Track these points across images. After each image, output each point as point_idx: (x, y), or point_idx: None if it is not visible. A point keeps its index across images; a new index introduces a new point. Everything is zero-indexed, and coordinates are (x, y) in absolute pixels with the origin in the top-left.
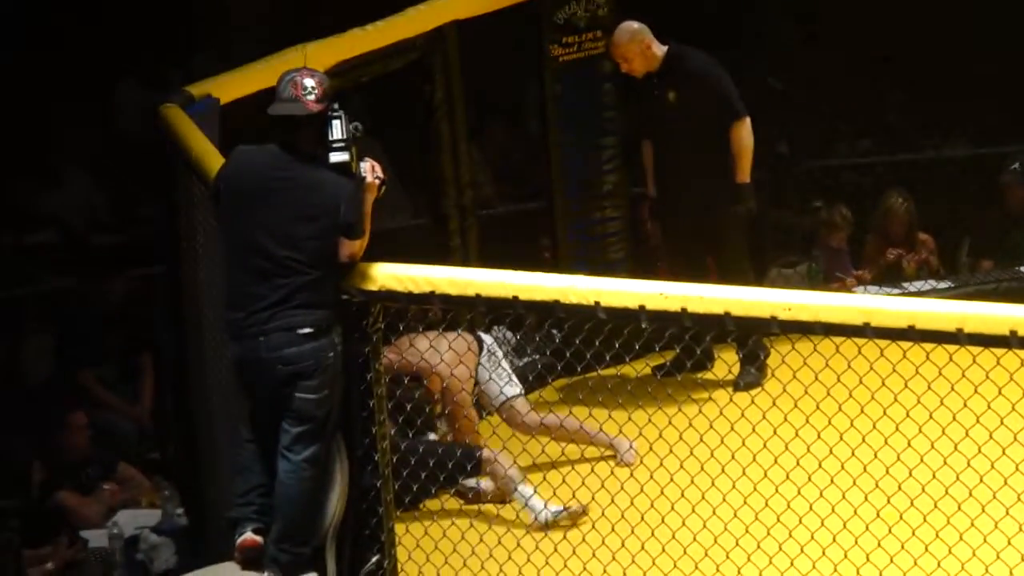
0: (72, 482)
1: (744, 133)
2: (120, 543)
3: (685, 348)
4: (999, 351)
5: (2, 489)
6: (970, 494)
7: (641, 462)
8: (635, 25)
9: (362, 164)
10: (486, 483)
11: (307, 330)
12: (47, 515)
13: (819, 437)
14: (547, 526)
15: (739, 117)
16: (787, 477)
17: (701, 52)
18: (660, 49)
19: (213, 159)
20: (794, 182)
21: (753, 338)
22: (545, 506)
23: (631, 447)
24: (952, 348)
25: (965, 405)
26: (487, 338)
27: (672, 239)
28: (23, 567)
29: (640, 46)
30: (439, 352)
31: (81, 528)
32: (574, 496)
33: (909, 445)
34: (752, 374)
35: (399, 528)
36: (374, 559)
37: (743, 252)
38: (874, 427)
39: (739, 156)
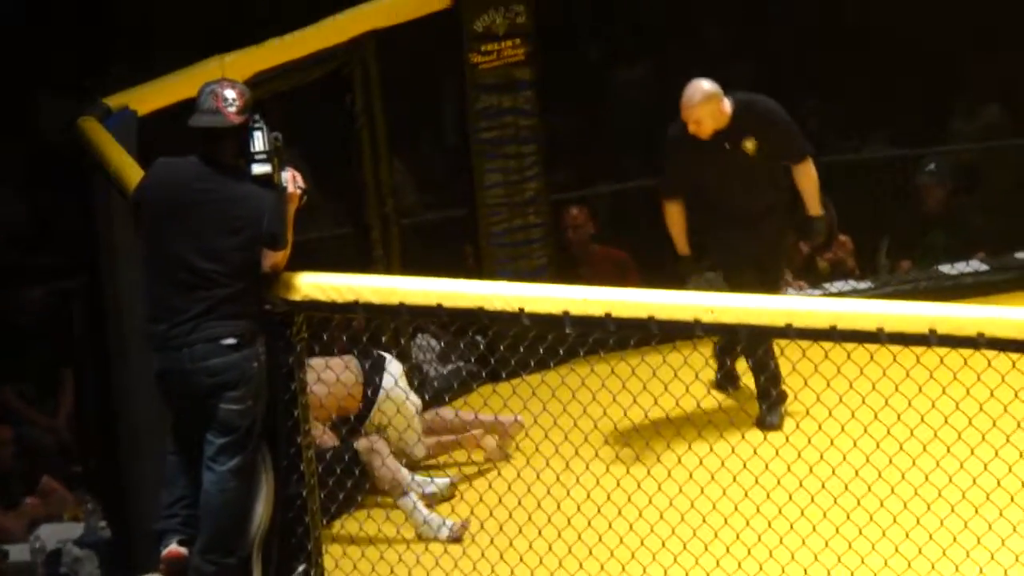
0: None
1: (812, 169)
2: (43, 556)
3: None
4: (918, 349)
5: None
6: (892, 491)
7: (568, 466)
8: (706, 86)
9: (283, 174)
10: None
11: (231, 341)
12: None
13: (743, 438)
14: (432, 536)
15: (806, 156)
16: (711, 478)
17: (762, 96)
18: (728, 106)
19: (132, 171)
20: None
21: (764, 375)
22: (426, 518)
23: (517, 418)
24: (873, 347)
25: (887, 403)
26: (393, 367)
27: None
28: None
29: (712, 108)
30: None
31: (3, 542)
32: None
33: (832, 444)
34: (771, 415)
35: (325, 536)
36: (300, 568)
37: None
38: (797, 427)
39: (810, 191)
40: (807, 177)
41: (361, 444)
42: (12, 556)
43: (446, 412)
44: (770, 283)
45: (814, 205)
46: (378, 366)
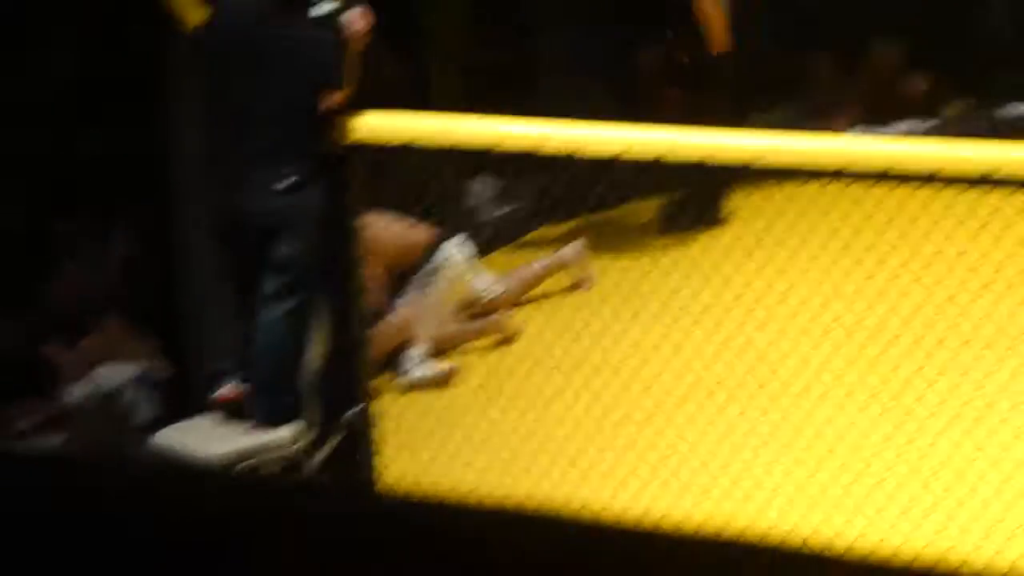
0: (56, 336)
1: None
2: (101, 397)
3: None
4: (977, 192)
5: None
6: (948, 332)
7: (621, 310)
8: None
9: (346, 15)
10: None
11: (288, 182)
12: (30, 369)
13: (799, 280)
14: (414, 383)
15: None
16: (766, 321)
17: None
18: None
19: (193, 10)
20: (774, 26)
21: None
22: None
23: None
24: (930, 190)
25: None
26: (460, 249)
27: None
28: (3, 422)
29: None
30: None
31: (61, 381)
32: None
33: (890, 286)
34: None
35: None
36: (353, 410)
37: None
38: (855, 268)
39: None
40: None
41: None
42: (70, 395)
43: (521, 271)
44: None
45: None
46: (443, 241)
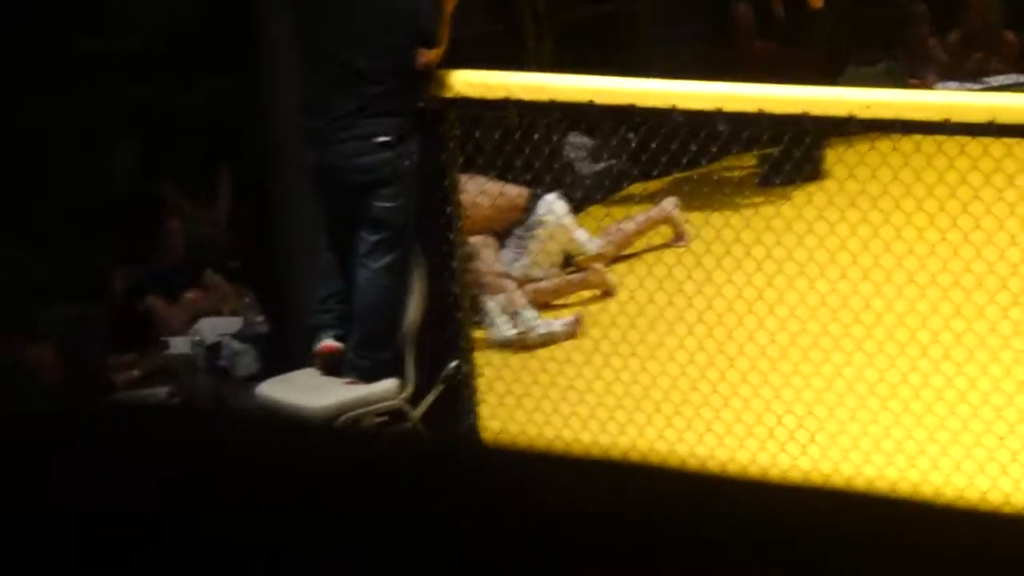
0: (161, 288)
1: None
2: (202, 350)
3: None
4: None
5: (85, 297)
6: None
7: (719, 264)
8: None
9: None
10: (557, 323)
11: (384, 138)
12: (135, 321)
13: (898, 235)
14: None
15: None
16: (865, 276)
17: None
18: None
19: None
20: None
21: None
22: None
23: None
24: None
25: None
26: (557, 205)
27: None
28: (108, 374)
29: None
30: (482, 193)
31: (164, 334)
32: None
33: (990, 241)
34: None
35: (477, 334)
36: (452, 364)
37: None
38: (954, 224)
39: None
40: None
41: (476, 238)
42: (173, 348)
43: (619, 226)
44: None
45: None
46: (538, 197)
